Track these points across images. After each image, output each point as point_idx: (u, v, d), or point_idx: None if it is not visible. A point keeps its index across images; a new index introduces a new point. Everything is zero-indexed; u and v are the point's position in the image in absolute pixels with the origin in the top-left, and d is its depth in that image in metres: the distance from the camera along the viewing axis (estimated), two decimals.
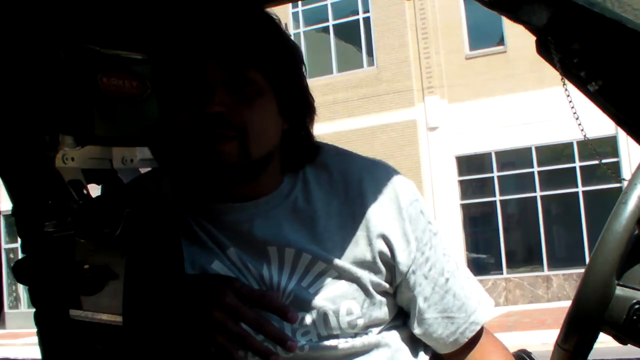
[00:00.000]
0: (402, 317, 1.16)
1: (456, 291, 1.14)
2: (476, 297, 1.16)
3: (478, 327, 1.16)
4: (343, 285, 1.08)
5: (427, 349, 1.18)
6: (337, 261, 1.07)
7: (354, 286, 1.08)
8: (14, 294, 19.14)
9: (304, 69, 1.12)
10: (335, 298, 1.07)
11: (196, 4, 1.06)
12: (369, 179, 1.10)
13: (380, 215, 1.08)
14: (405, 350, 1.15)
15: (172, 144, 1.05)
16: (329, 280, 1.07)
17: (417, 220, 1.11)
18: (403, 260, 1.09)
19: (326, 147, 1.16)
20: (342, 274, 1.07)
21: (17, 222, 1.50)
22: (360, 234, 1.08)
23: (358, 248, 1.08)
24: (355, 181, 1.09)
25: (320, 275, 1.07)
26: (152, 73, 1.16)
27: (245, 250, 1.08)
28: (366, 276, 1.08)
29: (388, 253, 1.09)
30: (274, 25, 1.09)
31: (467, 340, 1.15)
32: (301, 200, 1.10)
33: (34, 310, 1.46)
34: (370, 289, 1.09)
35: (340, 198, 1.09)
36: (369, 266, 1.08)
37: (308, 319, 1.07)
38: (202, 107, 1.00)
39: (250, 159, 1.02)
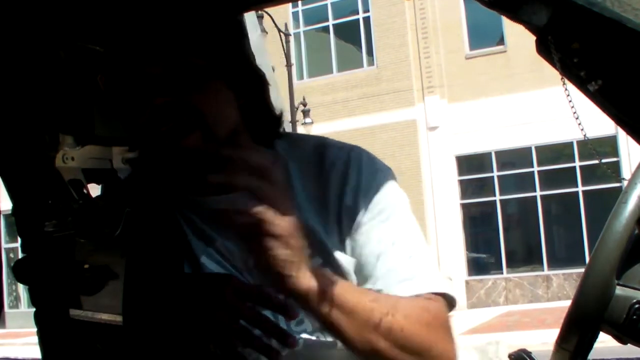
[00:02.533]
0: None
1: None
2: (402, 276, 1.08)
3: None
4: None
5: None
6: (318, 245, 1.07)
7: (339, 272, 1.08)
8: (14, 294, 19.16)
9: (246, 43, 1.13)
10: None
11: (133, 6, 1.08)
12: (340, 161, 1.12)
13: (341, 192, 1.09)
14: None
15: (139, 147, 1.06)
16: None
17: (368, 195, 1.10)
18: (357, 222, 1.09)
19: (307, 136, 1.18)
20: (326, 260, 1.08)
21: (17, 221, 1.50)
22: (331, 213, 1.09)
23: (330, 228, 1.09)
24: (329, 164, 1.11)
25: None
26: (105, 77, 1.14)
27: (230, 239, 1.08)
28: (345, 260, 1.09)
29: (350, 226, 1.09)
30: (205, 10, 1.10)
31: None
32: None
33: (34, 310, 1.46)
34: (352, 274, 1.09)
35: (315, 183, 1.10)
36: (342, 247, 1.09)
37: None
38: (151, 101, 1.00)
39: (219, 141, 1.02)
